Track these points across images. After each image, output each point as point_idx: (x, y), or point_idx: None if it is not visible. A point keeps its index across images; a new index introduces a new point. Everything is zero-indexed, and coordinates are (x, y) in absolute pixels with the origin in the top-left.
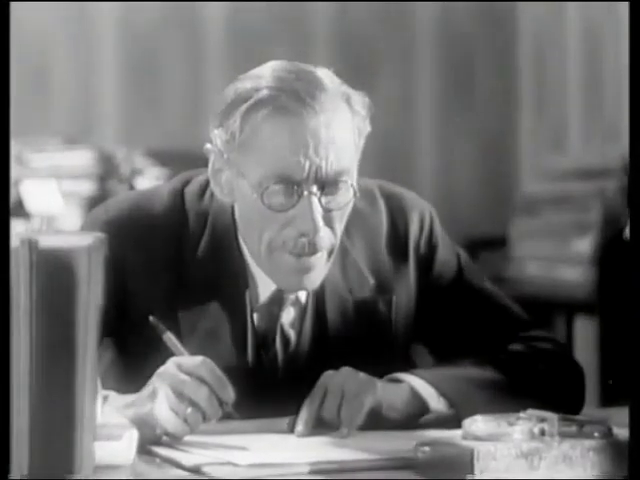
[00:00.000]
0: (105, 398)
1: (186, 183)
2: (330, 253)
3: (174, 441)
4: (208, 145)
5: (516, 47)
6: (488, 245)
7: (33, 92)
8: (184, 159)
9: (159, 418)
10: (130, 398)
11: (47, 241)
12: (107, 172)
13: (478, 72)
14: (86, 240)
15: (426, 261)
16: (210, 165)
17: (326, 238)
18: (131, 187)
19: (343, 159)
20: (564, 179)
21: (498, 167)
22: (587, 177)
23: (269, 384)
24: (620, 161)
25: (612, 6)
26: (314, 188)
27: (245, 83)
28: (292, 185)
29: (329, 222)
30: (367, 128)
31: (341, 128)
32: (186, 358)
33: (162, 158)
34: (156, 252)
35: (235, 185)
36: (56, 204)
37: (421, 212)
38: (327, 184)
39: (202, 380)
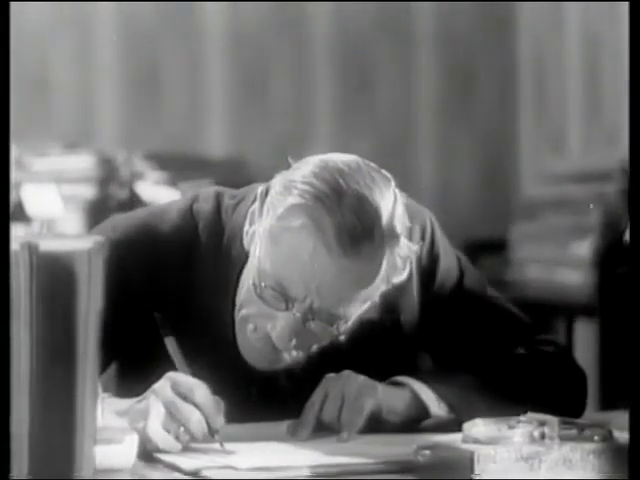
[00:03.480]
0: (102, 399)
1: (194, 201)
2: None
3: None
4: (261, 188)
5: (516, 50)
6: (488, 248)
7: (34, 96)
8: (184, 162)
9: (151, 435)
10: (124, 405)
11: (47, 245)
12: (107, 176)
13: (478, 74)
14: (86, 244)
15: (428, 272)
16: (254, 206)
17: (292, 355)
18: (131, 191)
19: (344, 307)
20: (564, 182)
21: (498, 170)
22: (587, 180)
23: (272, 392)
24: (620, 164)
25: (612, 8)
26: (303, 312)
27: (314, 175)
28: (284, 296)
29: (305, 342)
30: (398, 279)
31: (364, 279)
32: (182, 377)
33: (162, 161)
34: (164, 273)
35: (254, 243)
36: (56, 208)
37: (422, 223)
38: (316, 316)
39: (196, 405)
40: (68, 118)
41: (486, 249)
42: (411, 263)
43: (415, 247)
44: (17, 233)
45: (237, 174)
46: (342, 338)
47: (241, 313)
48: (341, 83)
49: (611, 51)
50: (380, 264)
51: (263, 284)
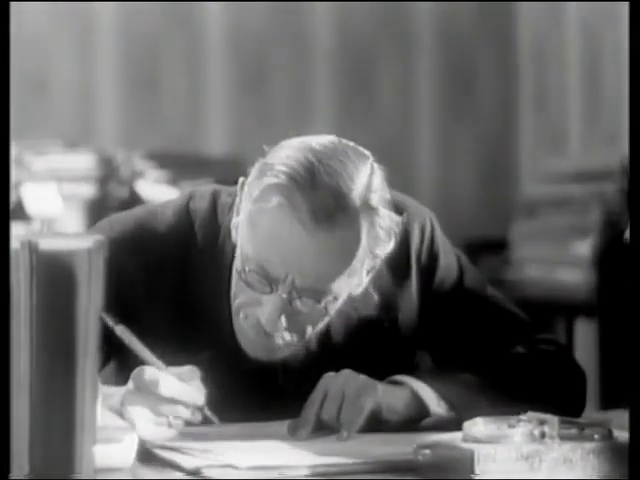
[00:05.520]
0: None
1: (190, 199)
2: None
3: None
4: (242, 178)
5: (516, 49)
6: (488, 248)
7: (34, 95)
8: (184, 161)
9: (145, 436)
10: (115, 398)
11: (47, 243)
12: (107, 175)
13: (478, 74)
14: (86, 242)
15: (428, 271)
16: (237, 200)
17: (286, 339)
18: (131, 190)
19: (329, 282)
20: (564, 181)
21: (498, 169)
22: (587, 179)
23: (271, 391)
24: (620, 163)
25: (612, 8)
26: (287, 292)
27: (282, 154)
28: (267, 279)
29: (294, 324)
30: (384, 250)
31: (343, 252)
32: (147, 375)
33: (162, 160)
34: (160, 272)
35: (238, 233)
36: (56, 207)
37: (421, 222)
38: (303, 295)
39: (172, 400)
40: (68, 117)
41: (486, 249)
42: (396, 235)
43: (397, 218)
44: (17, 232)
45: (236, 173)
46: (332, 316)
47: (234, 304)
48: (341, 83)
49: (611, 51)
50: (358, 236)
51: (247, 269)
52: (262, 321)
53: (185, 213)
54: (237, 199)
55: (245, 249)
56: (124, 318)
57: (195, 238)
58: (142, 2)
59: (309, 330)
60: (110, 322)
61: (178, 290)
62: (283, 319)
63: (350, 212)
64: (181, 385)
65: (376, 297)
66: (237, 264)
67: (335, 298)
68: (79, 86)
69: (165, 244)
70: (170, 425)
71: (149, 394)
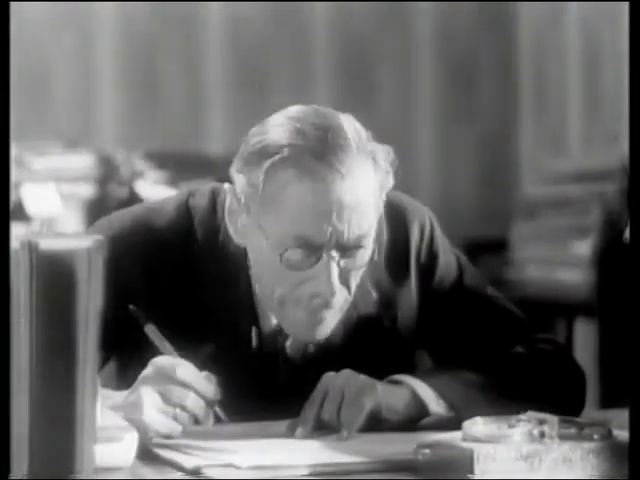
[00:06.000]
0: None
1: (190, 196)
2: (342, 308)
3: (167, 439)
4: (227, 185)
5: (516, 49)
6: (488, 248)
7: (33, 95)
8: (183, 161)
9: (149, 423)
10: (117, 399)
11: (47, 243)
12: (107, 175)
13: (478, 74)
14: (86, 242)
15: (427, 269)
16: (227, 204)
17: (341, 298)
18: (131, 190)
19: (365, 222)
20: (564, 182)
21: (498, 170)
22: (587, 180)
23: (272, 391)
24: (620, 163)
25: (612, 8)
26: (333, 252)
27: (270, 133)
28: (312, 248)
29: (345, 281)
30: (390, 183)
31: (365, 191)
32: (166, 360)
33: (162, 161)
34: (161, 270)
35: (250, 233)
36: (56, 207)
37: (421, 221)
38: (347, 248)
39: (186, 385)
40: (68, 117)
41: (486, 249)
42: (392, 166)
43: (388, 147)
44: (17, 232)
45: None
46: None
47: (275, 298)
48: (341, 83)
49: (611, 50)
50: (371, 174)
51: (286, 250)
52: (319, 289)
53: (185, 209)
54: (230, 202)
55: (273, 234)
56: (126, 313)
57: (195, 235)
58: (142, 2)
59: (353, 287)
60: (138, 314)
61: (178, 286)
62: (337, 281)
63: (354, 154)
64: (198, 374)
65: (375, 295)
66: (267, 256)
67: (367, 244)
68: (79, 86)
69: (166, 239)
70: (176, 418)
71: (164, 377)
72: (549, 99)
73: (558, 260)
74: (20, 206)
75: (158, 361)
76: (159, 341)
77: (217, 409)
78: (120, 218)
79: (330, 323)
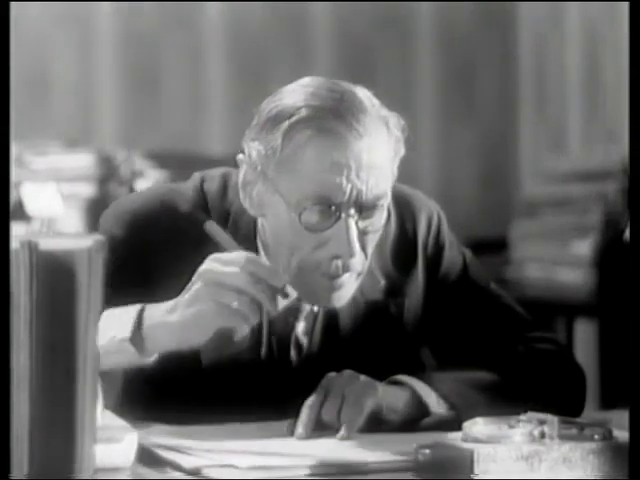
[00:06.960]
0: (141, 310)
1: (203, 181)
2: (360, 273)
3: (236, 337)
4: (240, 155)
5: (516, 48)
6: (488, 247)
7: (33, 94)
8: (184, 161)
9: (209, 314)
10: (170, 303)
11: (47, 243)
12: (107, 174)
13: (478, 74)
14: (86, 242)
15: (434, 261)
16: (241, 176)
17: (359, 261)
18: (131, 189)
19: (382, 183)
20: (564, 181)
21: (498, 169)
22: (587, 179)
23: (282, 388)
24: (620, 163)
25: (612, 8)
26: (352, 211)
27: (285, 99)
28: (331, 207)
29: (363, 245)
30: (402, 151)
31: (381, 152)
32: (225, 254)
33: (162, 160)
34: (180, 246)
35: (267, 200)
36: (56, 206)
37: (429, 212)
38: (365, 207)
39: (242, 267)
40: (68, 116)
41: (486, 248)
42: (403, 133)
43: (397, 115)
44: (17, 232)
45: (236, 173)
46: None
47: (294, 259)
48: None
49: (611, 50)
50: (385, 138)
51: (305, 210)
52: (338, 251)
53: (201, 192)
54: (245, 172)
55: (292, 196)
56: (144, 289)
57: (210, 216)
58: (142, 2)
59: (369, 252)
60: (197, 215)
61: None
62: (356, 242)
63: (370, 115)
64: (266, 264)
65: (383, 281)
66: (285, 221)
67: (383, 207)
68: (79, 86)
69: (186, 218)
70: (237, 308)
71: (221, 264)
72: (549, 99)
73: (558, 260)
74: (20, 206)
75: (216, 255)
76: (220, 236)
77: (288, 290)
78: (142, 195)
79: (348, 290)
